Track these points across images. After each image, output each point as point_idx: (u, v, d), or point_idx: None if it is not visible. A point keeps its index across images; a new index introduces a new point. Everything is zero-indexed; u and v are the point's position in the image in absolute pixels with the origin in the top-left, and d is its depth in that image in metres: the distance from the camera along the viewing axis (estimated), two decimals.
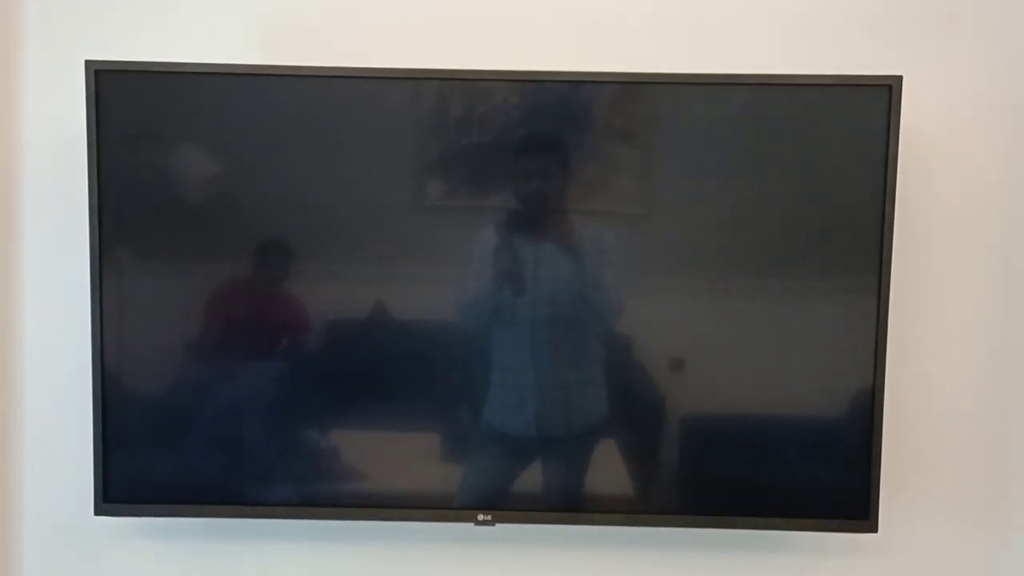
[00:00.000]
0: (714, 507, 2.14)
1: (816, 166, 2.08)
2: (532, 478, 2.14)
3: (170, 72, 2.05)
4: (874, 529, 2.10)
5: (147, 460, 2.12)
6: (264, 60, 2.15)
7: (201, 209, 2.09)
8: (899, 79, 2.02)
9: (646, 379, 2.12)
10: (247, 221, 2.10)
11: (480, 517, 2.11)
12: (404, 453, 2.15)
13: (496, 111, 2.07)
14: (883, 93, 2.02)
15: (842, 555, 2.28)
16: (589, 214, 2.09)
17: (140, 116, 2.08)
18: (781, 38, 2.19)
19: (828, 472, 2.13)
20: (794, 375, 2.11)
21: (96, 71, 2.03)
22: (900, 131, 2.02)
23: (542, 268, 2.08)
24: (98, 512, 2.11)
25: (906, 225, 2.13)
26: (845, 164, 2.07)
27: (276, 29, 2.20)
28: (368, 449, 2.15)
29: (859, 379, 2.08)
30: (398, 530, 2.27)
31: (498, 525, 2.12)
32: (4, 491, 2.29)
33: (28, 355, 2.27)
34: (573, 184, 2.09)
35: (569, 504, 2.15)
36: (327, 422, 2.15)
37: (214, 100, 2.08)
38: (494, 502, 2.14)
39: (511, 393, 2.11)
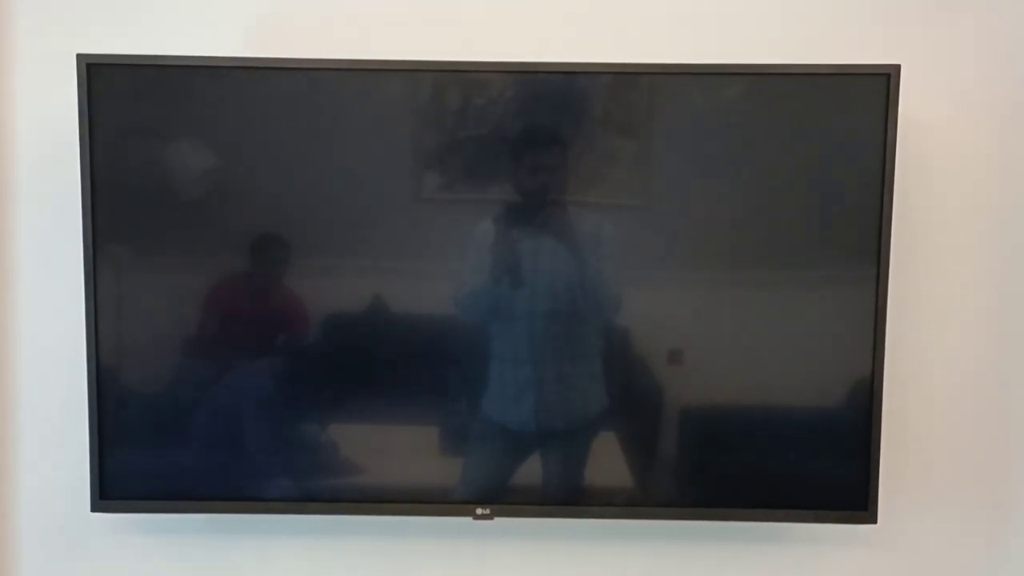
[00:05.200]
0: (713, 499, 2.14)
1: (814, 156, 2.08)
2: (531, 471, 2.14)
3: (163, 65, 2.04)
4: (873, 520, 2.10)
5: (144, 456, 2.11)
6: (258, 53, 2.14)
7: (196, 203, 2.08)
8: (897, 68, 2.01)
9: (645, 371, 2.12)
10: (242, 215, 2.09)
11: (479, 511, 2.11)
12: (403, 447, 2.15)
13: (493, 103, 2.06)
14: (881, 82, 2.02)
15: (841, 546, 2.28)
16: (587, 206, 2.08)
17: (133, 110, 2.07)
18: (779, 27, 2.18)
19: (827, 463, 2.12)
20: (793, 366, 2.11)
21: (88, 65, 2.01)
22: (898, 120, 2.02)
23: (540, 260, 2.08)
24: (95, 509, 2.11)
25: (904, 214, 2.13)
26: (843, 154, 2.06)
27: (270, 22, 2.19)
28: (366, 443, 2.14)
29: (858, 370, 2.08)
30: (396, 524, 2.26)
31: (497, 519, 2.11)
32: (1, 489, 2.27)
33: (24, 352, 2.25)
34: (571, 176, 2.08)
35: (568, 497, 2.15)
36: (325, 416, 2.14)
37: (208, 93, 2.07)
38: (493, 496, 2.14)
39: (510, 386, 2.10)
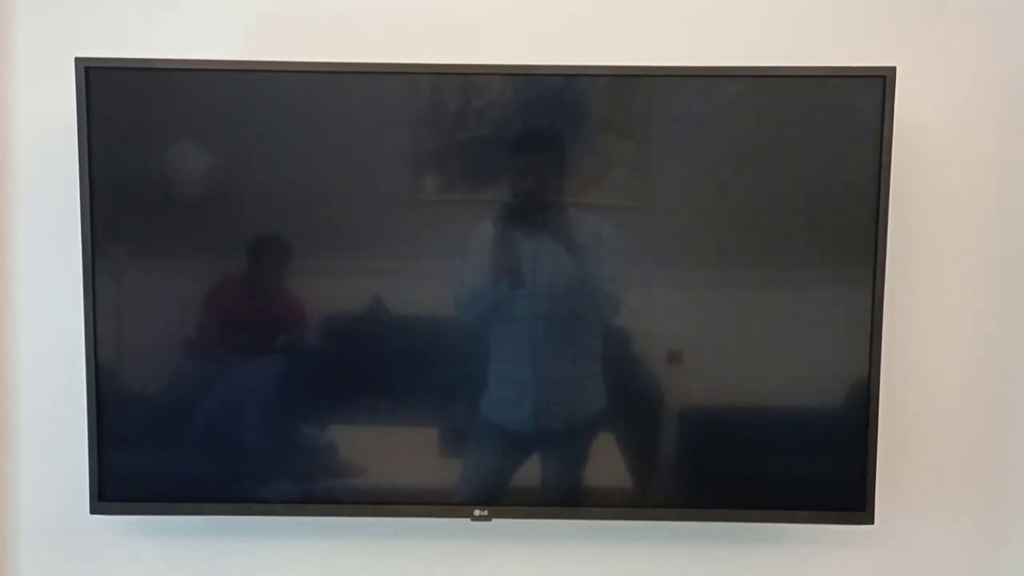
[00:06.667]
0: (711, 500, 2.14)
1: (811, 157, 2.08)
2: (529, 472, 2.14)
3: (161, 68, 2.04)
4: (870, 521, 2.11)
5: (142, 458, 2.11)
6: (257, 55, 2.14)
7: (194, 205, 2.08)
8: (893, 70, 2.02)
9: (644, 372, 2.12)
10: (241, 217, 2.09)
11: (476, 512, 2.11)
12: (401, 448, 2.15)
13: (491, 105, 2.06)
14: (877, 84, 2.02)
15: (839, 547, 2.28)
16: (586, 207, 2.09)
17: (131, 113, 2.07)
18: (775, 29, 2.19)
19: (825, 464, 2.13)
20: (791, 367, 2.11)
21: (86, 68, 2.01)
22: (894, 122, 2.03)
23: (540, 262, 2.08)
24: (94, 511, 2.11)
25: (901, 216, 2.14)
26: (840, 155, 2.07)
27: (269, 24, 2.19)
28: (365, 444, 2.14)
29: (855, 371, 2.09)
30: (394, 525, 2.26)
31: (495, 520, 2.12)
32: (0, 490, 2.28)
33: (22, 354, 2.25)
34: (569, 177, 2.09)
35: (566, 498, 2.15)
36: (324, 418, 2.14)
37: (206, 96, 2.07)
38: (491, 497, 2.14)
39: (509, 387, 2.10)
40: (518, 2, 2.19)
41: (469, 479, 2.15)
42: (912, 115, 2.13)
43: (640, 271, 2.11)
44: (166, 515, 2.21)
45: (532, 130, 2.08)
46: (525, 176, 2.06)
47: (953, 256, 2.22)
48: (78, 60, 2.02)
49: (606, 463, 2.14)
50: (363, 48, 2.12)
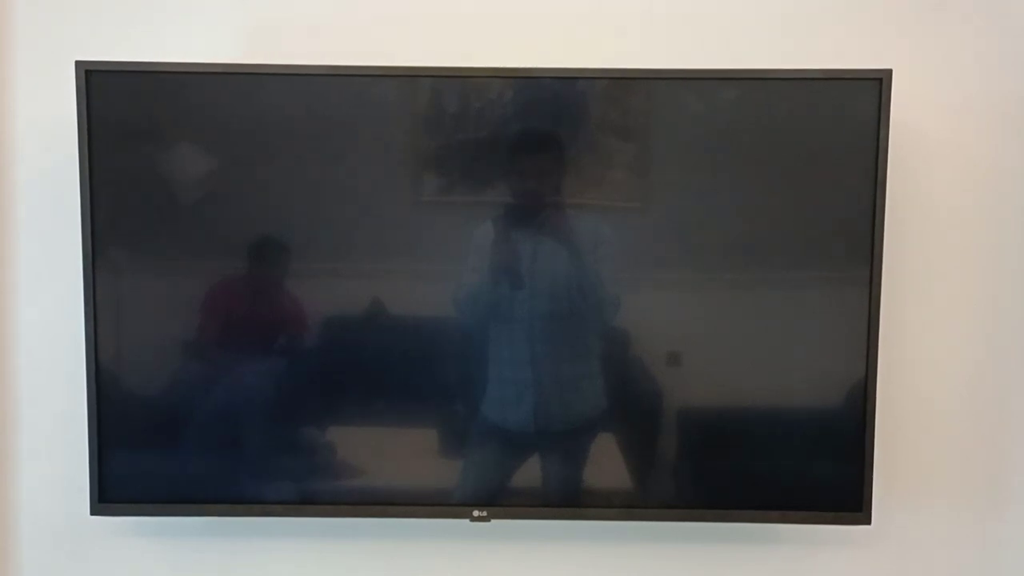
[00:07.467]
0: (710, 500, 2.15)
1: (808, 159, 2.09)
2: (528, 473, 2.15)
3: (161, 72, 2.05)
4: (867, 521, 2.11)
5: (143, 459, 2.11)
6: (257, 58, 2.15)
7: (195, 208, 2.09)
8: (889, 72, 2.03)
9: (643, 373, 2.13)
10: (241, 219, 2.10)
11: (475, 513, 2.11)
12: (401, 449, 2.15)
13: (491, 107, 2.07)
14: (873, 86, 2.03)
15: (836, 546, 2.29)
16: (585, 208, 2.09)
17: (131, 116, 2.07)
18: (772, 32, 2.20)
19: (822, 464, 2.13)
20: (789, 368, 2.12)
21: (87, 71, 2.02)
22: (890, 124, 2.04)
23: (539, 263, 2.09)
24: (94, 512, 2.11)
25: (897, 217, 2.14)
26: (836, 157, 2.08)
27: (268, 27, 2.20)
28: (365, 445, 2.15)
29: (852, 371, 2.09)
30: (394, 526, 2.27)
31: (493, 521, 2.12)
32: (1, 491, 2.29)
33: (23, 355, 2.26)
34: (569, 179, 2.09)
35: (565, 499, 2.16)
36: (324, 419, 2.15)
37: (206, 99, 2.07)
38: (490, 498, 2.14)
39: (509, 388, 2.11)
40: (518, 3, 2.20)
41: (468, 480, 2.15)
42: (908, 117, 2.14)
43: (639, 272, 2.11)
44: (166, 516, 2.22)
45: (532, 132, 2.09)
46: (525, 177, 2.07)
47: (949, 257, 2.23)
48: (79, 63, 2.02)
49: (605, 464, 2.14)
50: (363, 50, 2.13)
